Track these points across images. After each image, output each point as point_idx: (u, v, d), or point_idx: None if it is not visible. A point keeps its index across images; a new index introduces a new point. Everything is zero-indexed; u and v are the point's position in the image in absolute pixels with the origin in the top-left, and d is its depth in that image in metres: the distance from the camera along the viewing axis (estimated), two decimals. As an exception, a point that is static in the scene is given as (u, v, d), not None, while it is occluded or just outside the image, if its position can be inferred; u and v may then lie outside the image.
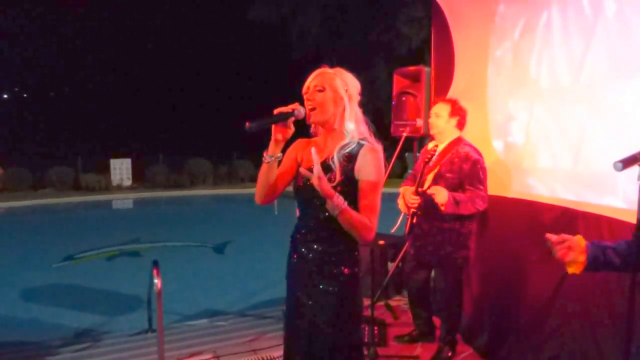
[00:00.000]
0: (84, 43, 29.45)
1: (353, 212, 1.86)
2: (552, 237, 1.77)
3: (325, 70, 1.99)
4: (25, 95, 39.13)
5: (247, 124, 1.79)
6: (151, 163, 15.30)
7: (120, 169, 14.53)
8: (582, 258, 1.75)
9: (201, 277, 6.63)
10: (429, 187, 3.31)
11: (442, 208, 3.18)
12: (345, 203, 1.84)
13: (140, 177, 14.97)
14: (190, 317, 4.69)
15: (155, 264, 3.56)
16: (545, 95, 3.14)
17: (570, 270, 1.77)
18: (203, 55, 27.79)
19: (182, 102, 28.90)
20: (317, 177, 1.79)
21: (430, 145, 3.52)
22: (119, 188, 14.30)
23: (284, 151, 2.07)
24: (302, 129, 2.09)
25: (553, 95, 3.07)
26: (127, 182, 14.60)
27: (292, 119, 1.89)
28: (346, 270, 1.96)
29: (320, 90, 1.94)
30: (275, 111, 1.87)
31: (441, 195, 3.16)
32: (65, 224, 10.88)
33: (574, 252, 1.75)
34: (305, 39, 18.06)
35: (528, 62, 3.25)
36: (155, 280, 3.43)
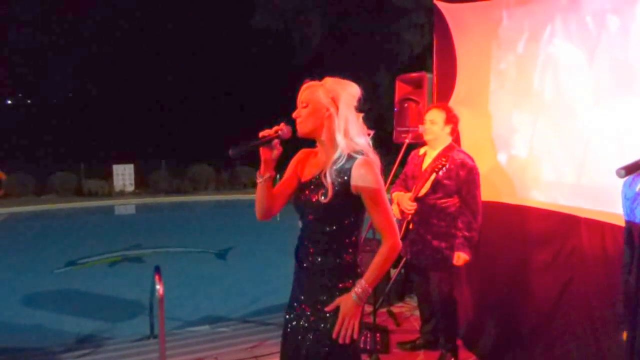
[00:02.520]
0: (87, 49, 29.60)
1: (372, 271, 1.91)
2: None
3: (310, 84, 1.96)
4: (29, 102, 39.31)
5: (230, 151, 1.82)
6: (154, 169, 15.31)
7: (123, 174, 14.55)
8: None
9: (203, 283, 6.62)
10: (426, 193, 3.35)
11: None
12: (360, 286, 1.89)
13: (142, 182, 14.97)
14: (192, 323, 4.69)
15: (157, 269, 3.57)
16: (548, 108, 3.14)
17: None
18: (206, 62, 27.89)
19: (185, 108, 28.98)
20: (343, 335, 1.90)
21: (421, 151, 3.55)
22: (122, 194, 14.31)
23: (288, 161, 2.09)
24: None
25: (556, 108, 3.07)
26: (130, 188, 14.61)
27: (277, 141, 1.91)
28: (346, 283, 1.94)
29: (304, 107, 1.93)
30: (260, 134, 1.89)
31: (464, 259, 3.32)
32: (67, 230, 10.88)
33: None
34: (308, 45, 18.12)
35: (531, 75, 3.25)
36: (157, 286, 3.44)
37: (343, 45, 17.68)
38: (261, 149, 1.90)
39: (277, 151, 1.93)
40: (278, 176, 2.04)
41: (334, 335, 1.90)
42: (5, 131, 25.49)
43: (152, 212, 13.32)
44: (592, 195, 2.80)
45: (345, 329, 1.89)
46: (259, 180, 1.97)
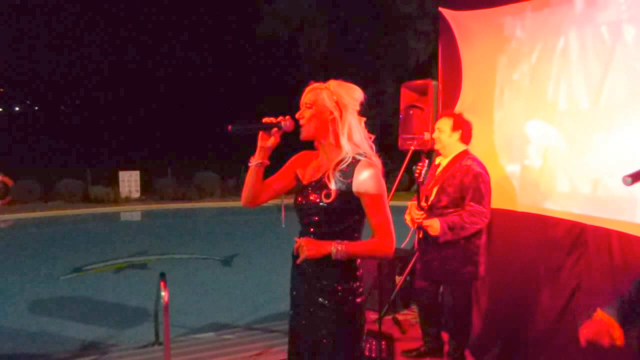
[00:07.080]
0: (94, 57, 29.84)
1: (357, 246, 1.89)
2: (585, 337, 1.75)
3: (315, 85, 1.97)
4: (36, 109, 39.59)
5: (229, 127, 1.84)
6: (160, 176, 15.36)
7: (129, 181, 14.60)
8: (618, 333, 1.72)
9: (208, 290, 6.62)
10: (433, 202, 3.32)
11: (439, 239, 3.20)
12: (343, 245, 1.84)
13: (148, 189, 15.02)
14: (197, 330, 4.68)
15: (163, 276, 3.56)
16: (563, 119, 3.11)
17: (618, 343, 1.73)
18: (212, 70, 28.07)
19: (191, 115, 29.12)
20: (306, 254, 1.84)
21: (437, 160, 3.55)
22: (128, 200, 14.35)
23: (287, 159, 2.11)
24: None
25: (571, 119, 3.04)
26: (136, 195, 14.66)
27: (276, 130, 1.93)
28: (344, 285, 1.94)
29: (309, 107, 1.94)
30: (264, 120, 1.93)
31: (433, 227, 3.20)
32: (73, 236, 10.92)
33: (608, 334, 1.72)
34: (313, 53, 18.19)
35: (546, 86, 3.22)
36: (163, 293, 3.44)
37: (349, 53, 17.74)
38: (260, 135, 1.94)
39: (274, 140, 1.96)
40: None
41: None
42: (12, 138, 25.70)
43: (158, 219, 13.35)
44: (607, 206, 2.75)
45: (299, 245, 1.86)
46: (250, 164, 1.99)
